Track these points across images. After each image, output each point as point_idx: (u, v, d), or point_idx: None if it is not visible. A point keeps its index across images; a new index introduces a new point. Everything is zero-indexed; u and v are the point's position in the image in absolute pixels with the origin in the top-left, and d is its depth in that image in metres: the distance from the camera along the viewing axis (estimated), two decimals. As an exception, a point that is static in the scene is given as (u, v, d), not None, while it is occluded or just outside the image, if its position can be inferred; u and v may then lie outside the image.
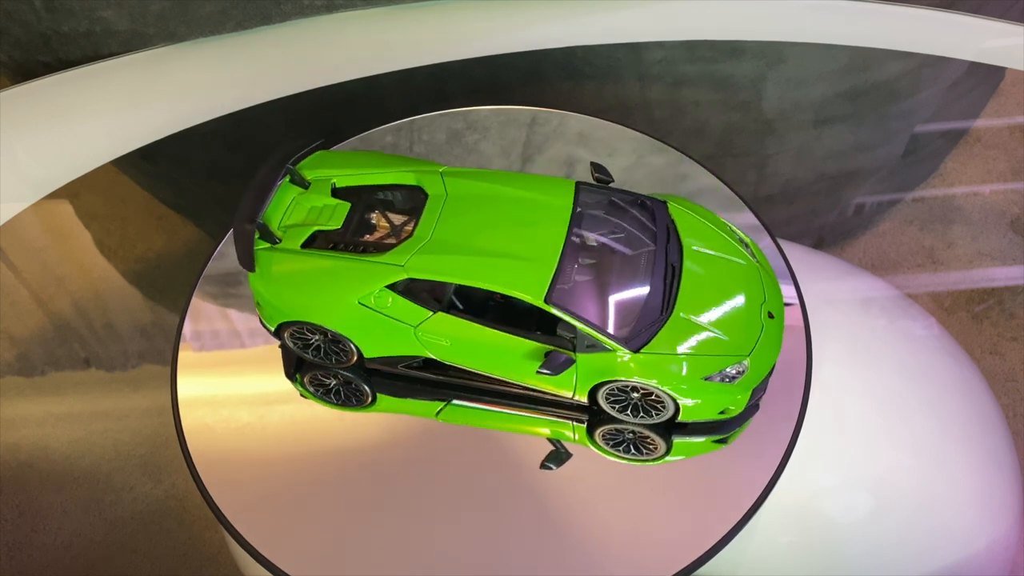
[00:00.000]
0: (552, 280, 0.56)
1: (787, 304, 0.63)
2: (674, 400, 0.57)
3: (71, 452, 0.97)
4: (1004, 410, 0.82)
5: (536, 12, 0.99)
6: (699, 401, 0.57)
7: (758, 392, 0.59)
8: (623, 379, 0.56)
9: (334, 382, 0.63)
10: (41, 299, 1.10)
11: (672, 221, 0.63)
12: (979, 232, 1.25)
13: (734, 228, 0.65)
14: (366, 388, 0.63)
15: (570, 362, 0.56)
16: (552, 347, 0.57)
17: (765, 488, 0.57)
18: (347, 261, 0.59)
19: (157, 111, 0.94)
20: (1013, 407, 1.02)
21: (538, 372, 0.57)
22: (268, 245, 0.61)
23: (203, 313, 0.70)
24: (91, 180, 0.92)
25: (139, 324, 1.11)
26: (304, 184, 0.64)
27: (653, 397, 0.57)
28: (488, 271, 0.56)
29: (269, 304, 0.61)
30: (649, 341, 0.56)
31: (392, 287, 0.58)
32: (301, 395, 0.64)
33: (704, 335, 0.57)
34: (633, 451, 0.59)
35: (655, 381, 0.56)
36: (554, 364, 0.56)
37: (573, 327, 0.56)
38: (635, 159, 0.80)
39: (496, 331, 0.57)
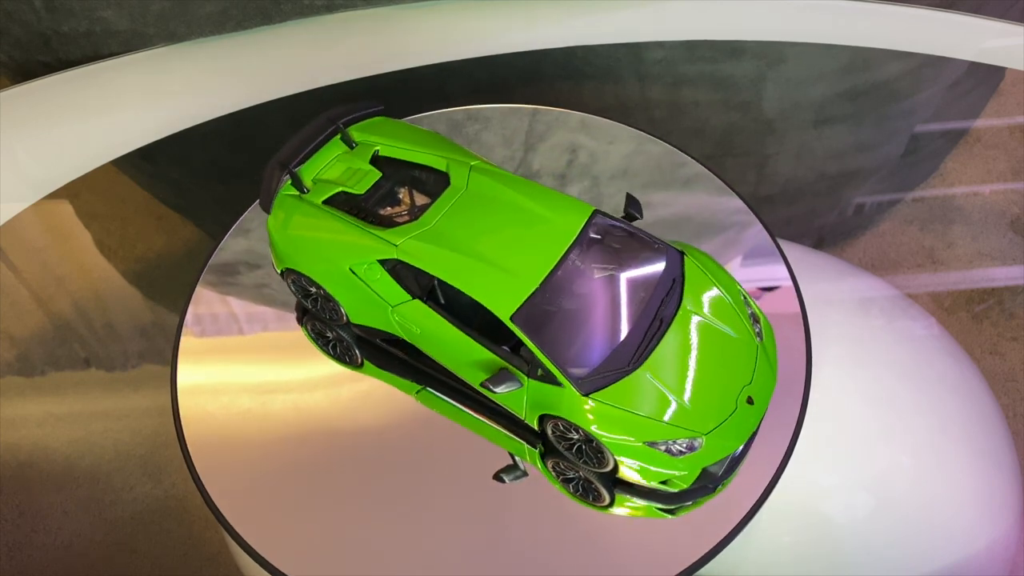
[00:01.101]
0: (527, 299, 0.55)
1: (788, 307, 0.63)
2: (612, 455, 0.54)
3: (71, 452, 0.97)
4: (1004, 410, 0.82)
5: (536, 12, 0.99)
6: (638, 464, 0.54)
7: (713, 473, 0.56)
8: (566, 418, 0.54)
9: (332, 336, 0.65)
10: (41, 299, 1.10)
11: (682, 275, 0.59)
12: (979, 232, 1.25)
13: (750, 299, 0.61)
14: (356, 351, 0.65)
15: (515, 384, 0.55)
16: (507, 365, 0.56)
17: (765, 488, 0.57)
18: (352, 227, 0.60)
19: (157, 111, 0.94)
20: (1013, 407, 1.02)
21: (481, 384, 0.56)
22: (296, 193, 0.63)
23: (204, 303, 0.70)
24: (91, 180, 0.92)
25: (139, 324, 1.11)
26: (351, 145, 0.65)
27: (594, 445, 0.55)
28: (469, 274, 0.56)
29: (277, 248, 0.63)
30: (602, 388, 0.54)
31: (383, 263, 0.59)
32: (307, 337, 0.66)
33: (663, 400, 0.54)
34: (581, 492, 0.57)
35: (595, 429, 0.54)
36: (498, 381, 0.55)
37: (531, 352, 0.55)
38: (635, 146, 0.80)
39: (462, 333, 0.57)
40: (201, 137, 0.94)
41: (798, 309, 0.66)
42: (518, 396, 0.56)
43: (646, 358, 0.55)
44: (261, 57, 0.96)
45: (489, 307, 0.55)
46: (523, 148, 0.81)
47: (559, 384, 0.54)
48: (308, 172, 0.63)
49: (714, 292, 0.59)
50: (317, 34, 0.95)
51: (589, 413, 0.54)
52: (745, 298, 0.60)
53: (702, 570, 0.55)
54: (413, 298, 0.59)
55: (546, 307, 0.56)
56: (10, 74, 0.99)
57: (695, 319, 0.57)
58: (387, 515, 0.58)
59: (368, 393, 0.64)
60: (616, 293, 0.57)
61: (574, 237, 0.57)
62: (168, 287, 1.15)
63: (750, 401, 0.56)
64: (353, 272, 0.60)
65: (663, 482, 0.55)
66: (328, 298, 0.63)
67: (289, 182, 0.63)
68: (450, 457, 0.60)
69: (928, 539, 0.72)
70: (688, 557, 0.55)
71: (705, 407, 0.55)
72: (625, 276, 0.58)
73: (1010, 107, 1.41)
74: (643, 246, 0.60)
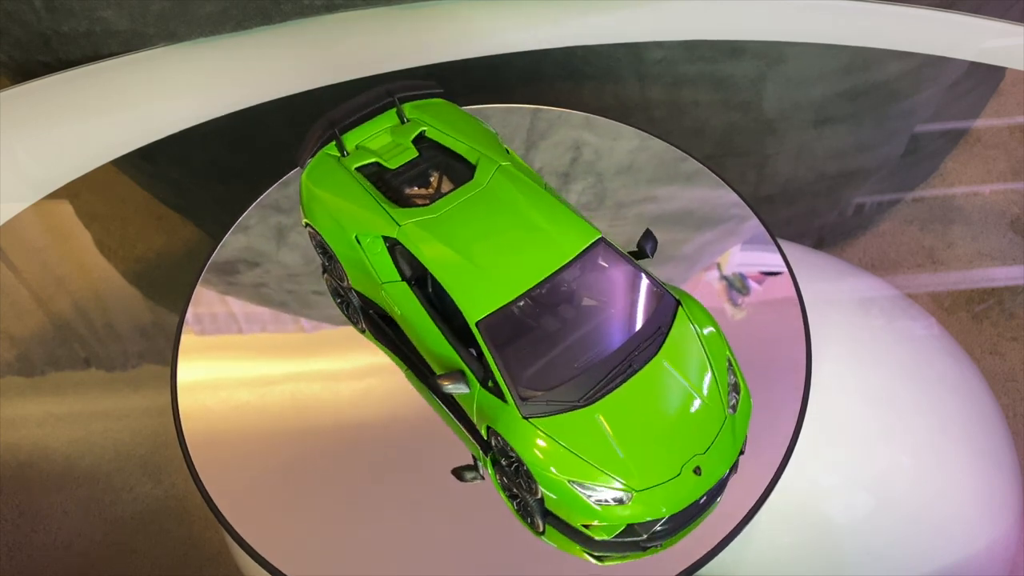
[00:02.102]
0: (499, 309, 0.54)
1: (787, 302, 0.63)
2: (539, 485, 0.53)
3: (71, 452, 0.97)
4: (1004, 410, 0.82)
5: (536, 12, 0.99)
6: (559, 500, 0.52)
7: (641, 533, 0.53)
8: (503, 436, 0.53)
9: (343, 295, 0.67)
10: (41, 299, 1.10)
11: (670, 325, 0.56)
12: (979, 232, 1.25)
13: (736, 368, 0.57)
14: (360, 316, 0.66)
15: (463, 388, 0.54)
16: (465, 367, 0.55)
17: (765, 488, 0.57)
18: (368, 198, 0.61)
19: (157, 111, 0.94)
20: (1013, 407, 1.02)
21: (431, 376, 0.56)
22: (337, 154, 0.65)
23: (205, 303, 0.70)
24: (91, 180, 0.92)
25: (139, 324, 1.11)
26: (403, 119, 0.66)
27: (524, 469, 0.53)
28: (453, 270, 0.56)
29: (303, 202, 0.65)
30: (544, 416, 0.52)
31: (385, 239, 0.60)
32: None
33: (603, 445, 0.52)
34: (522, 511, 0.56)
35: (526, 454, 0.52)
36: (447, 379, 0.54)
37: (486, 360, 0.54)
38: (639, 143, 0.80)
39: (435, 326, 0.57)
40: (201, 137, 0.94)
41: (798, 309, 0.66)
42: (469, 401, 0.56)
43: (600, 398, 0.53)
44: (261, 57, 0.96)
45: (460, 307, 0.54)
46: (524, 146, 0.81)
47: (504, 400, 0.53)
48: (355, 137, 0.65)
49: (697, 350, 0.56)
50: (317, 34, 0.95)
51: (524, 437, 0.52)
52: (731, 366, 0.56)
53: (702, 570, 0.55)
54: (402, 280, 0.59)
55: (516, 321, 0.55)
56: (10, 74, 0.99)
57: (666, 373, 0.54)
58: (387, 514, 0.58)
59: (368, 391, 0.64)
60: (592, 326, 0.55)
61: (569, 259, 0.56)
62: (168, 287, 1.15)
63: (697, 471, 0.52)
64: (358, 241, 0.61)
65: (585, 526, 0.53)
66: (334, 259, 0.64)
67: (335, 144, 0.65)
68: (451, 456, 0.60)
69: (928, 539, 0.72)
70: (688, 557, 0.55)
71: (644, 464, 0.52)
72: (609, 311, 0.56)
73: (1010, 107, 1.41)
74: (639, 285, 0.57)
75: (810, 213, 1.25)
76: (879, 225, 1.28)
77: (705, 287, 0.70)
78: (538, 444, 0.52)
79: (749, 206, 0.74)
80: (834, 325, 0.79)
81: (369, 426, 0.63)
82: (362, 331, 0.66)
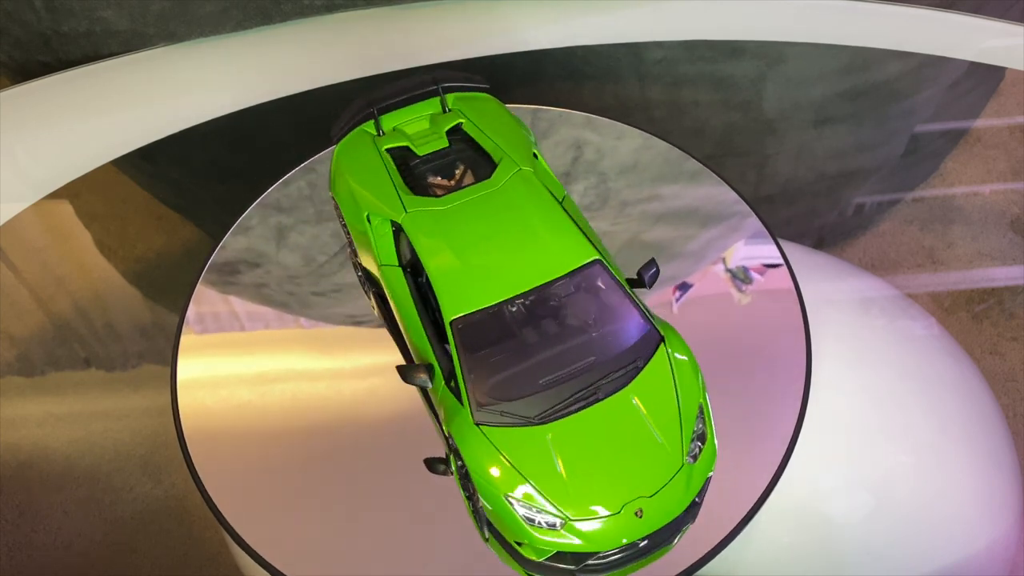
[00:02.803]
0: (476, 312, 0.53)
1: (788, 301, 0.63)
2: (478, 494, 0.52)
3: (71, 452, 0.97)
4: (1004, 410, 0.82)
5: (536, 12, 0.99)
6: (494, 512, 0.52)
7: (571, 562, 0.52)
8: (454, 437, 0.53)
9: (360, 269, 0.67)
10: (41, 299, 1.10)
11: (647, 360, 0.54)
12: (979, 232, 1.25)
13: (708, 418, 0.54)
14: (370, 288, 0.67)
15: (425, 382, 0.54)
16: (434, 362, 0.55)
17: (765, 488, 0.57)
18: (387, 181, 0.61)
19: (157, 111, 0.94)
20: (1013, 407, 1.02)
21: (397, 366, 0.56)
22: (373, 132, 0.66)
23: (205, 302, 0.70)
24: (91, 180, 0.92)
25: (139, 324, 1.11)
26: (445, 109, 0.67)
27: (469, 476, 0.52)
28: (442, 265, 0.56)
29: (332, 173, 0.66)
30: (495, 426, 0.52)
31: (392, 223, 0.60)
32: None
33: (547, 466, 0.51)
34: (475, 515, 0.55)
35: (470, 460, 0.52)
36: (410, 370, 0.54)
37: (451, 359, 0.53)
38: (642, 141, 0.80)
39: (417, 316, 0.57)
40: (201, 137, 0.94)
41: (798, 309, 0.66)
42: (435, 396, 0.56)
43: (555, 419, 0.52)
44: (261, 57, 0.96)
45: (440, 302, 0.54)
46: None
47: (461, 402, 0.53)
48: (394, 119, 0.66)
49: (668, 392, 0.53)
50: (317, 34, 0.95)
51: (471, 443, 0.52)
52: (703, 414, 0.54)
53: (702, 570, 0.55)
54: (399, 265, 0.60)
55: (491, 327, 0.54)
56: (10, 74, 0.99)
57: (630, 408, 0.52)
58: (388, 514, 0.58)
59: (371, 391, 0.64)
60: (568, 345, 0.54)
61: (560, 274, 0.55)
62: (168, 287, 1.15)
63: (639, 514, 0.50)
64: (367, 220, 0.61)
65: (518, 543, 0.52)
66: (347, 232, 0.65)
67: (371, 123, 0.66)
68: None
69: (928, 539, 0.72)
70: (688, 557, 0.55)
71: (584, 495, 0.50)
72: (588, 334, 0.55)
73: (1010, 107, 1.41)
74: (625, 314, 0.55)
75: (810, 213, 1.25)
76: (879, 225, 1.28)
77: (710, 280, 0.70)
78: (483, 452, 0.51)
79: (750, 206, 0.74)
80: (834, 325, 0.79)
81: (370, 425, 0.63)
82: (372, 307, 0.68)
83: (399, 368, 0.55)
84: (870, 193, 1.28)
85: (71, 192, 0.96)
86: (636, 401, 0.53)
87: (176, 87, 0.95)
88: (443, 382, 0.54)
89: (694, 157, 0.78)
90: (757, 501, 0.57)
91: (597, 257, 0.56)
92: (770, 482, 0.58)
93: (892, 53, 1.02)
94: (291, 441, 0.62)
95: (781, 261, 0.70)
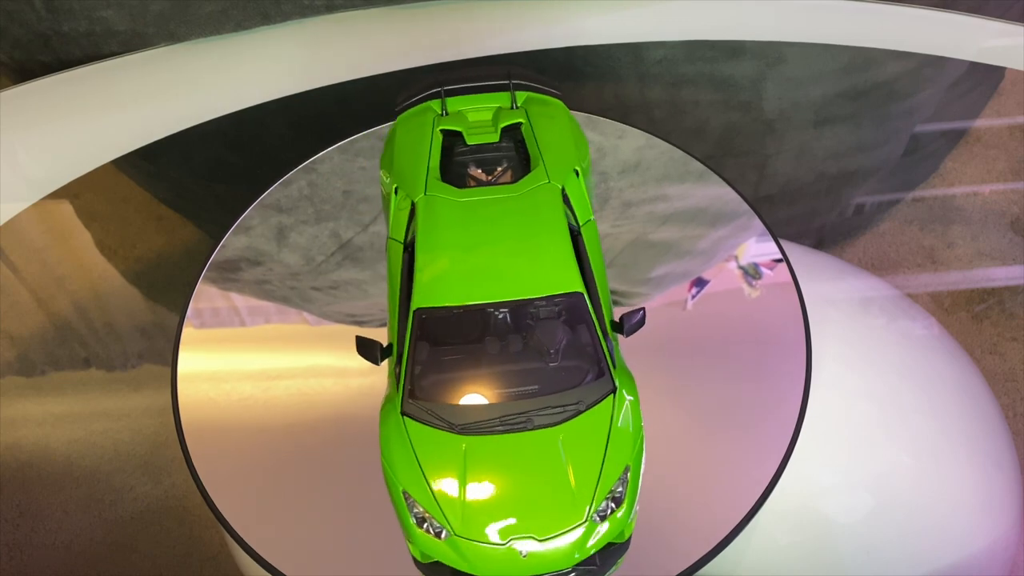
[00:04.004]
0: (440, 308, 0.53)
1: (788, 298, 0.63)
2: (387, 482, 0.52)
3: (71, 452, 0.97)
4: (1004, 410, 0.82)
5: (536, 12, 0.99)
6: (393, 502, 0.52)
7: (447, 574, 0.51)
8: (381, 420, 0.53)
9: None
10: (41, 299, 1.11)
11: (588, 406, 0.52)
12: (979, 232, 1.25)
13: (633, 485, 0.52)
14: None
15: (372, 360, 0.55)
16: (395, 343, 0.55)
17: (765, 488, 0.57)
18: (424, 161, 0.62)
19: (157, 111, 0.94)
20: (1013, 407, 1.02)
21: (356, 335, 0.56)
22: (438, 112, 0.66)
23: (206, 299, 0.70)
24: (91, 180, 0.92)
25: (139, 324, 1.11)
26: (514, 105, 0.67)
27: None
28: (431, 255, 0.56)
29: (386, 141, 0.68)
30: (417, 421, 0.52)
31: (412, 201, 0.60)
32: None
33: (450, 476, 0.50)
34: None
35: (385, 447, 0.52)
36: (366, 344, 0.55)
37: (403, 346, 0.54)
38: (645, 140, 0.80)
39: (398, 293, 0.57)
40: (201, 137, 0.94)
41: (799, 309, 0.66)
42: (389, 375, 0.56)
43: (475, 434, 0.51)
44: (261, 57, 0.96)
45: (413, 289, 0.55)
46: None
47: (397, 388, 0.53)
48: (461, 103, 0.66)
49: (598, 444, 0.51)
50: (317, 34, 0.95)
51: (391, 429, 0.52)
52: (627, 478, 0.51)
53: (702, 570, 0.55)
54: (401, 242, 0.60)
55: (452, 327, 0.54)
56: (10, 74, 0.99)
57: (552, 448, 0.51)
58: (388, 514, 0.58)
59: (374, 389, 0.64)
60: (517, 368, 0.53)
61: (536, 295, 0.54)
62: (168, 287, 1.16)
63: (523, 554, 0.49)
64: (394, 193, 0.62)
65: (408, 539, 0.52)
66: (384, 201, 0.66)
67: (438, 102, 0.66)
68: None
69: (928, 539, 0.72)
70: (688, 557, 0.55)
71: (476, 515, 0.49)
72: (543, 362, 0.54)
73: (1010, 107, 1.41)
74: (586, 355, 0.54)
75: (810, 213, 1.25)
76: (879, 225, 1.28)
77: (716, 277, 0.70)
78: (397, 442, 0.52)
79: (751, 206, 0.74)
80: (834, 325, 0.79)
81: (372, 424, 0.62)
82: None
83: (357, 338, 0.55)
84: (870, 193, 1.28)
85: (71, 192, 0.96)
86: (560, 443, 0.51)
87: (176, 87, 0.95)
88: (394, 364, 0.54)
89: (694, 157, 0.78)
90: (757, 501, 0.57)
91: (580, 291, 0.54)
92: (770, 482, 0.58)
93: (892, 53, 1.02)
94: (292, 440, 0.62)
95: (781, 261, 0.70)
